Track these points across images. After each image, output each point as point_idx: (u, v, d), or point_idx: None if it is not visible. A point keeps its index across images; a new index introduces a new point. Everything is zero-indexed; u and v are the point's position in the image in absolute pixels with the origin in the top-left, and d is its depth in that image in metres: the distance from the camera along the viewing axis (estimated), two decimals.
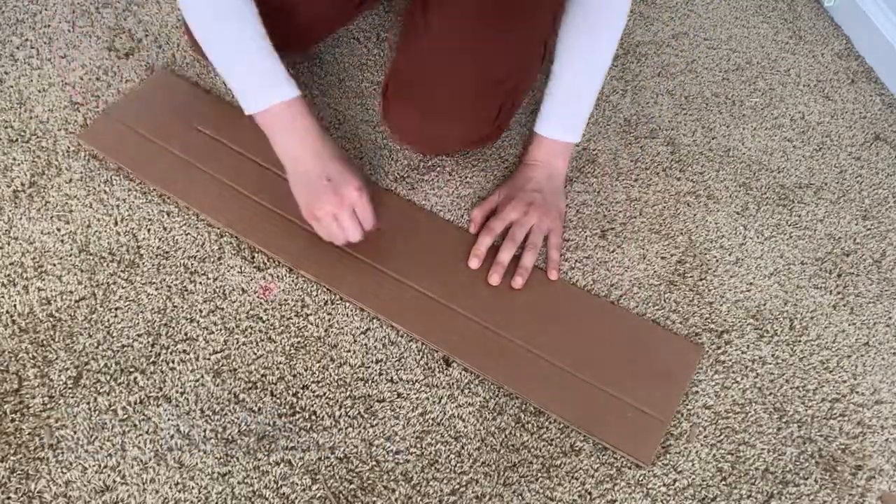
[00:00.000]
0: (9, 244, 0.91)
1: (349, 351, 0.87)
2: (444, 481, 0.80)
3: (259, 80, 0.84)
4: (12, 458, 0.77)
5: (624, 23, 0.92)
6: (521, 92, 0.99)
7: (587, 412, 0.84)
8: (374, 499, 0.78)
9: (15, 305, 0.87)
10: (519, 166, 1.01)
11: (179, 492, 0.77)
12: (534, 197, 0.96)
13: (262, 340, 0.87)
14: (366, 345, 0.88)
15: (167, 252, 0.92)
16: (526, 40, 0.94)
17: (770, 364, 0.91)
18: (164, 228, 0.94)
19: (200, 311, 0.88)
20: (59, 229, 0.93)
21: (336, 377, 0.85)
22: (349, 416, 0.83)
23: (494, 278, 0.92)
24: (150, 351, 0.85)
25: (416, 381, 0.86)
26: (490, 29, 0.88)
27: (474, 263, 0.93)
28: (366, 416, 0.83)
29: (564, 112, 0.97)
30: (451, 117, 0.94)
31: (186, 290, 0.90)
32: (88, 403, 0.81)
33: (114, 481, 0.76)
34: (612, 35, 0.93)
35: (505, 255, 0.93)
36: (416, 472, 0.80)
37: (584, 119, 0.98)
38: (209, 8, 0.83)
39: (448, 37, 0.90)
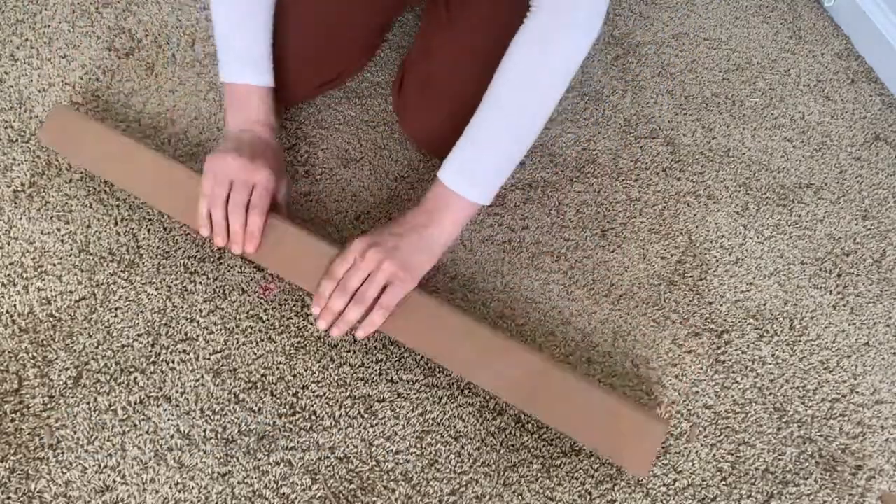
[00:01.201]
0: (9, 244, 0.91)
1: (349, 351, 0.87)
2: (444, 481, 0.80)
3: (239, 56, 0.87)
4: (12, 458, 0.77)
5: (573, 65, 0.78)
6: None
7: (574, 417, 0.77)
8: (374, 499, 0.78)
9: (15, 305, 0.87)
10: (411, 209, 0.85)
11: (179, 492, 0.77)
12: (385, 239, 0.80)
13: (262, 340, 0.87)
14: (366, 345, 0.88)
15: (167, 252, 0.92)
16: None
17: (770, 364, 0.91)
18: (164, 228, 0.94)
19: (200, 311, 0.88)
20: (59, 229, 0.92)
21: (336, 377, 0.85)
22: (349, 416, 0.83)
23: (334, 331, 0.80)
24: (150, 351, 0.85)
25: (416, 381, 0.86)
26: (512, 35, 0.88)
27: (316, 312, 0.82)
28: (366, 416, 0.83)
29: (469, 161, 0.80)
30: (468, 123, 0.94)
31: (186, 290, 0.90)
32: (88, 403, 0.81)
33: (114, 481, 0.76)
34: (567, 58, 0.78)
35: (335, 304, 0.79)
36: (416, 472, 0.80)
37: (493, 176, 0.81)
38: None
39: (472, 37, 0.90)
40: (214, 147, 0.88)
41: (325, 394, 0.84)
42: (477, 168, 0.80)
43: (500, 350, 0.79)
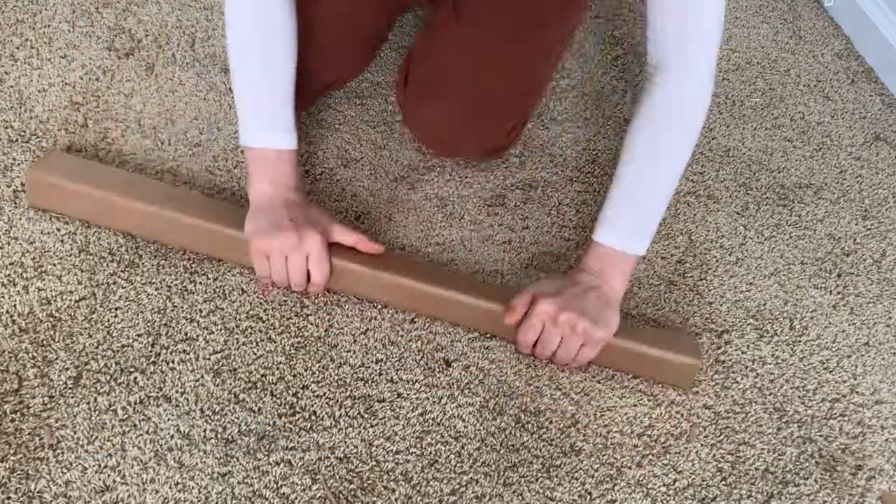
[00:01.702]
0: (9, 244, 0.91)
1: (349, 351, 0.87)
2: (444, 481, 0.80)
3: (263, 120, 0.84)
4: (12, 458, 0.77)
5: (703, 120, 0.85)
6: (533, 106, 1.00)
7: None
8: (374, 499, 0.78)
9: (15, 305, 0.87)
10: (577, 269, 0.88)
11: (179, 492, 0.77)
12: (571, 304, 0.82)
13: (262, 340, 0.87)
14: (366, 345, 0.88)
15: (167, 252, 0.92)
16: (548, 55, 0.93)
17: (770, 364, 0.91)
18: None
19: (200, 311, 0.88)
20: (59, 229, 0.92)
21: (336, 377, 0.85)
22: (349, 416, 0.83)
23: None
24: (150, 351, 0.85)
25: (416, 381, 0.86)
26: (520, 38, 0.88)
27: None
28: (366, 416, 0.83)
29: (626, 219, 0.86)
30: (473, 124, 0.94)
31: (186, 290, 0.90)
32: (88, 403, 0.81)
33: (114, 481, 0.76)
34: (689, 135, 0.85)
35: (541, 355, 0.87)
36: (416, 472, 0.80)
37: (649, 228, 0.87)
38: (257, 31, 0.83)
39: (480, 40, 0.90)
40: (248, 222, 0.85)
41: (325, 394, 0.84)
42: (633, 223, 0.86)
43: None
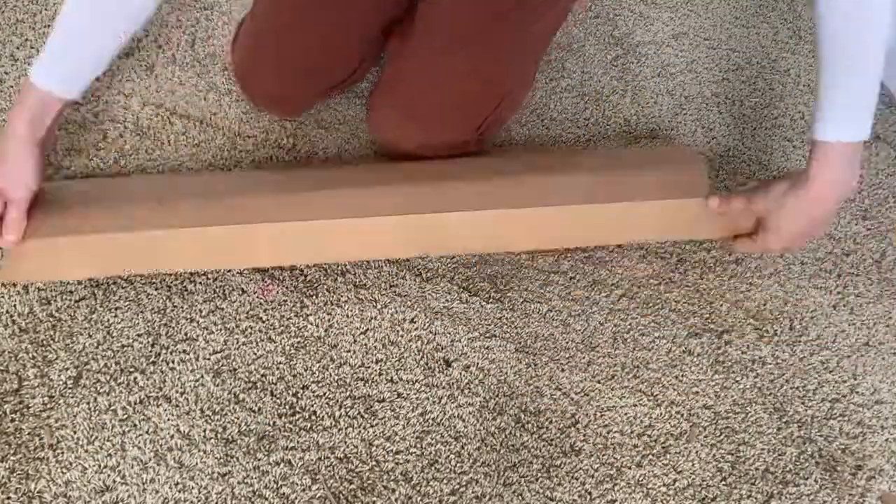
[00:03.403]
0: None
1: (349, 351, 0.87)
2: (444, 481, 0.80)
3: (55, 59, 0.82)
4: (12, 458, 0.77)
5: None
6: (508, 106, 0.99)
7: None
8: (374, 499, 0.78)
9: (15, 305, 0.87)
10: (808, 180, 0.80)
11: (179, 492, 0.77)
12: (805, 231, 0.82)
13: (262, 340, 0.87)
14: (366, 345, 0.88)
15: None
16: (519, 51, 0.93)
17: (770, 364, 0.91)
18: None
19: (200, 311, 0.88)
20: None
21: (336, 377, 0.85)
22: (349, 416, 0.83)
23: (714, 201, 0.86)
24: (150, 351, 0.85)
25: (416, 381, 0.86)
26: (482, 30, 0.88)
27: (714, 203, 0.86)
28: (366, 416, 0.83)
29: (849, 108, 0.78)
30: (436, 118, 0.93)
31: (186, 290, 0.90)
32: (88, 403, 0.81)
33: (114, 481, 0.76)
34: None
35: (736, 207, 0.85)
36: (416, 472, 0.80)
37: (871, 107, 0.78)
38: None
39: (438, 35, 0.90)
40: None
41: (325, 394, 0.84)
42: (858, 108, 0.78)
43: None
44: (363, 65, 1.02)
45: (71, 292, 0.88)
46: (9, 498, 0.75)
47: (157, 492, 0.76)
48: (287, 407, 0.83)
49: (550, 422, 0.85)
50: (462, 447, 0.82)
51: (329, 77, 0.99)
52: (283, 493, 0.78)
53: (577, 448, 0.83)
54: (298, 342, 0.87)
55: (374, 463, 0.80)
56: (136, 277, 0.90)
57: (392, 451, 0.81)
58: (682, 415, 0.87)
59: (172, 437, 0.80)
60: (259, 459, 0.79)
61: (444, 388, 0.86)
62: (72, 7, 0.80)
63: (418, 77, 0.91)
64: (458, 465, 0.81)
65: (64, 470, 0.77)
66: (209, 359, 0.85)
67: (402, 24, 0.98)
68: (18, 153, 0.81)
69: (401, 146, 0.96)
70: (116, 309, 0.88)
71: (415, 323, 0.90)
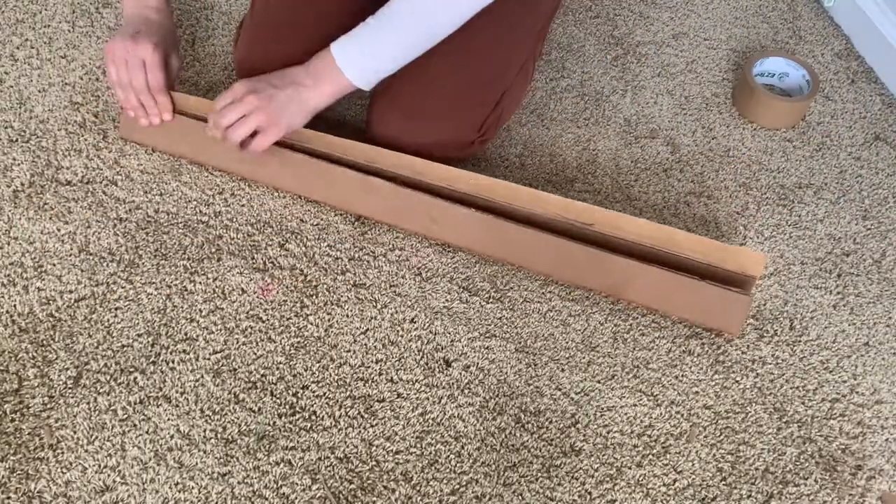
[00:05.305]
0: (9, 244, 0.91)
1: (349, 351, 0.87)
2: (444, 481, 0.80)
3: None
4: (12, 458, 0.77)
5: None
6: (508, 105, 0.99)
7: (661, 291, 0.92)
8: (374, 499, 0.78)
9: (15, 305, 0.87)
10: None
11: (179, 492, 0.77)
12: (264, 87, 0.86)
13: (262, 340, 0.87)
14: (366, 345, 0.88)
15: (166, 252, 0.92)
16: (511, 49, 0.94)
17: (770, 364, 0.91)
18: (163, 228, 0.94)
19: (200, 311, 0.88)
20: (58, 229, 0.93)
21: (336, 377, 0.85)
22: (349, 416, 0.83)
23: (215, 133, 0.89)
24: (150, 351, 0.85)
25: (416, 381, 0.86)
26: (475, 30, 0.88)
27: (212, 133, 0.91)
28: (366, 416, 0.83)
29: (368, 46, 0.84)
30: (436, 118, 0.93)
31: (186, 290, 0.90)
32: (88, 403, 0.81)
33: (114, 481, 0.77)
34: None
35: (209, 133, 0.90)
36: (416, 472, 0.80)
37: (383, 67, 0.86)
38: None
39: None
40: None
41: (325, 394, 0.84)
42: (371, 60, 0.85)
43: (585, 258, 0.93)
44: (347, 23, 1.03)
45: (71, 292, 0.88)
46: (9, 498, 0.75)
47: (157, 492, 0.76)
48: (287, 407, 0.83)
49: (550, 422, 0.85)
50: (462, 447, 0.82)
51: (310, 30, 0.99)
52: (283, 493, 0.78)
53: (577, 448, 0.83)
54: (298, 342, 0.87)
55: (374, 463, 0.80)
56: (136, 277, 0.90)
57: (392, 451, 0.81)
58: (682, 415, 0.87)
59: (172, 437, 0.80)
60: (259, 459, 0.79)
61: (444, 388, 0.86)
62: None
63: (418, 76, 0.91)
64: (458, 465, 0.81)
65: (64, 470, 0.77)
66: (209, 359, 0.85)
67: None
68: (164, 19, 0.93)
69: (401, 146, 0.96)
70: (116, 309, 0.88)
71: (415, 323, 0.90)
